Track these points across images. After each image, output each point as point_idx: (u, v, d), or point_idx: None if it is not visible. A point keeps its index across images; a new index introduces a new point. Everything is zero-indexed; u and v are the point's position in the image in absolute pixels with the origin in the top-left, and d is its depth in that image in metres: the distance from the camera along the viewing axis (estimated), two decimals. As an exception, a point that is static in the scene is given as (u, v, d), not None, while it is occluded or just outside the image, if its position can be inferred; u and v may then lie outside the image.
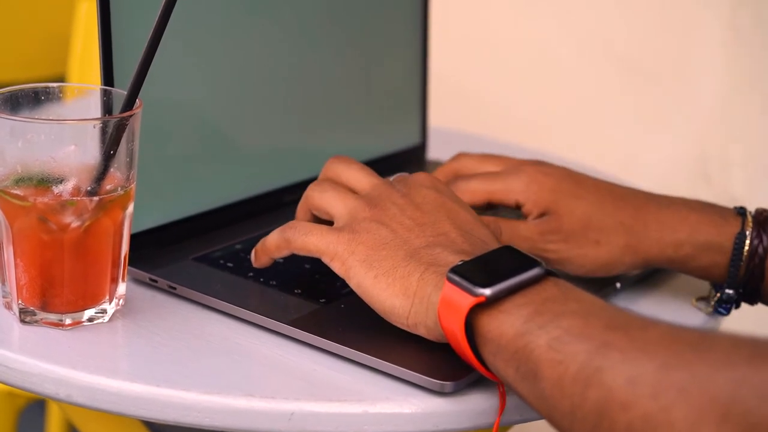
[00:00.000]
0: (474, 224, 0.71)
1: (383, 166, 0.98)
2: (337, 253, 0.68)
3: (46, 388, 0.65)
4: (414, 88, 1.02)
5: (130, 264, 0.73)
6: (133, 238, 0.72)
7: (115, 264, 0.70)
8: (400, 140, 1.02)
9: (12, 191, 0.67)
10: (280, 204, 0.88)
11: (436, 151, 1.05)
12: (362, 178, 0.74)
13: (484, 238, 0.70)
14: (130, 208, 0.70)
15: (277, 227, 0.73)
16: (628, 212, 0.76)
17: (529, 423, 0.67)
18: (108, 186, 0.68)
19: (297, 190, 0.88)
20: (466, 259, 0.64)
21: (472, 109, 1.57)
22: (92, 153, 0.67)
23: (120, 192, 0.68)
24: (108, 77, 0.73)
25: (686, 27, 1.42)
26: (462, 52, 1.56)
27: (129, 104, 0.68)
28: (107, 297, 0.70)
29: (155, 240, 0.79)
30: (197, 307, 0.74)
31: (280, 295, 0.74)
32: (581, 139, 1.51)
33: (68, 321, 0.69)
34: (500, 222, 0.77)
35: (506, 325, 0.60)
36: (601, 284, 0.79)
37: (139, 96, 0.68)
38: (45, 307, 0.69)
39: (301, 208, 0.75)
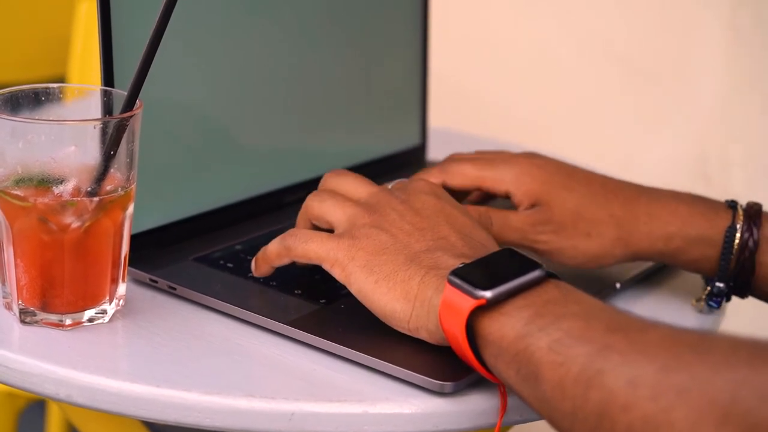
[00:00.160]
0: (473, 228, 0.71)
1: (383, 166, 0.98)
2: (338, 260, 0.68)
3: (47, 389, 0.65)
4: (414, 89, 1.02)
5: (130, 264, 0.73)
6: (134, 238, 0.72)
7: (116, 264, 0.70)
8: (400, 141, 1.02)
9: (12, 192, 0.67)
10: (280, 204, 0.88)
11: (436, 151, 1.05)
12: (360, 187, 0.74)
13: (483, 241, 0.70)
14: (131, 208, 0.70)
15: (277, 227, 0.73)
16: (620, 205, 0.77)
17: (529, 423, 0.67)
18: (108, 186, 0.68)
19: (297, 190, 0.89)
20: (467, 262, 0.64)
21: (472, 110, 1.57)
22: (92, 154, 0.67)
23: (120, 192, 0.68)
24: (108, 78, 0.73)
25: (686, 27, 1.42)
26: (462, 52, 1.56)
27: (129, 105, 0.68)
28: (107, 297, 0.70)
29: (155, 240, 0.79)
30: (197, 307, 0.74)
31: (280, 296, 0.74)
32: (581, 139, 1.51)
33: (68, 321, 0.69)
34: (491, 212, 0.77)
35: (507, 327, 0.60)
36: (601, 284, 0.79)
37: (139, 96, 0.68)
38: (45, 308, 0.69)
39: (300, 219, 0.75)
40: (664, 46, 1.44)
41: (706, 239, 0.76)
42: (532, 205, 0.78)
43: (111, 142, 0.67)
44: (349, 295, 0.70)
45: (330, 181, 0.76)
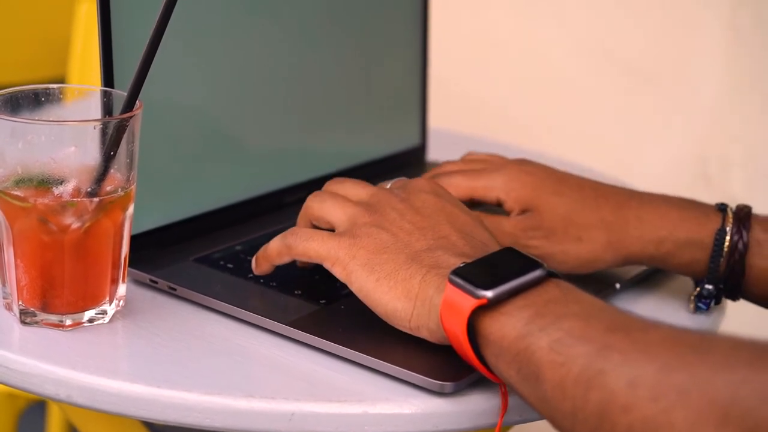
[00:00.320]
0: (474, 227, 0.71)
1: (383, 167, 0.98)
2: (339, 258, 0.68)
3: (47, 389, 0.65)
4: (414, 89, 1.02)
5: (130, 265, 0.73)
6: (134, 239, 0.72)
7: (116, 265, 0.70)
8: (400, 141, 1.02)
9: (12, 192, 0.67)
10: (280, 205, 0.88)
11: (435, 152, 1.05)
12: (360, 189, 0.74)
13: (484, 240, 0.70)
14: (131, 209, 0.70)
15: (278, 228, 0.73)
16: (610, 209, 0.77)
17: (529, 423, 0.67)
18: (108, 187, 0.68)
19: (297, 191, 0.89)
20: (468, 261, 0.64)
21: (472, 111, 1.57)
22: (92, 154, 0.67)
23: (120, 193, 0.68)
24: (108, 78, 0.73)
25: (686, 27, 1.42)
26: (462, 53, 1.56)
27: (129, 105, 0.68)
28: (107, 298, 0.70)
29: (155, 241, 0.79)
30: (197, 308, 0.74)
31: (280, 296, 0.74)
32: (581, 140, 1.51)
33: (68, 322, 0.69)
34: (483, 217, 0.77)
35: (508, 327, 0.60)
36: (600, 285, 0.79)
37: (139, 97, 0.68)
38: (45, 308, 0.69)
39: (301, 219, 0.75)
40: (664, 47, 1.44)
41: (696, 242, 0.76)
42: (523, 211, 0.78)
43: (111, 142, 0.67)
44: (349, 295, 0.70)
45: (330, 186, 0.77)
